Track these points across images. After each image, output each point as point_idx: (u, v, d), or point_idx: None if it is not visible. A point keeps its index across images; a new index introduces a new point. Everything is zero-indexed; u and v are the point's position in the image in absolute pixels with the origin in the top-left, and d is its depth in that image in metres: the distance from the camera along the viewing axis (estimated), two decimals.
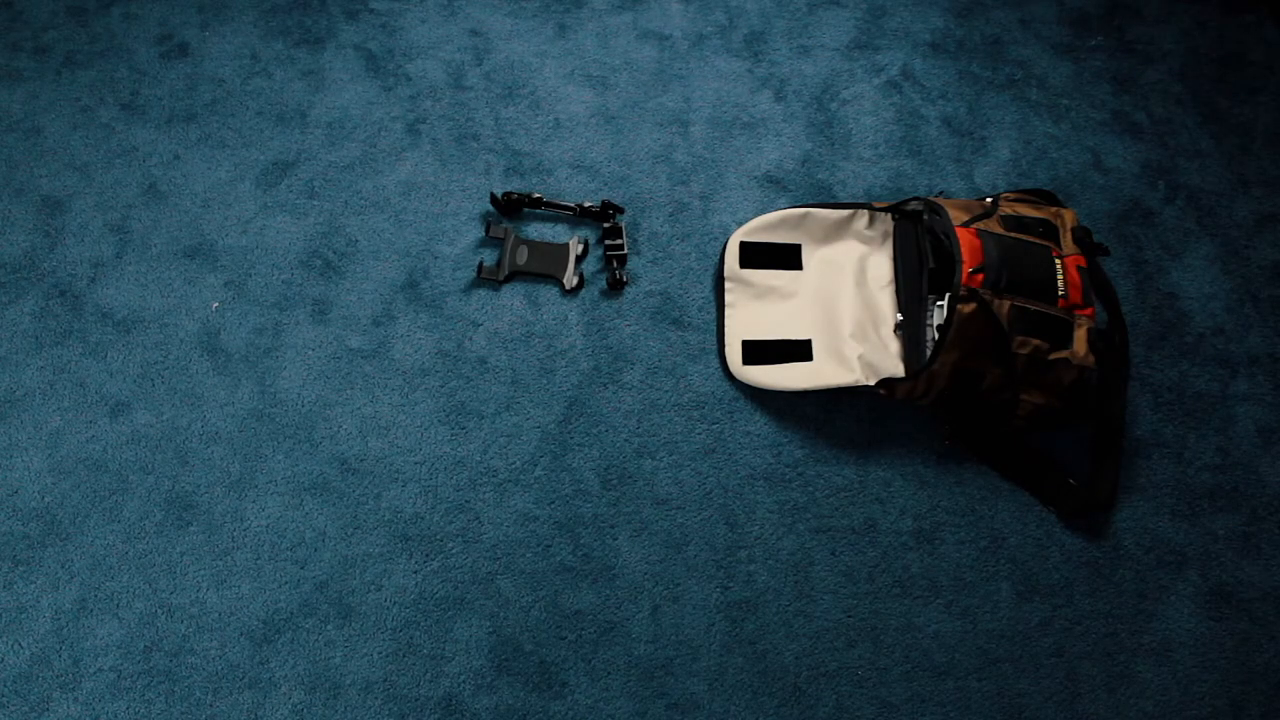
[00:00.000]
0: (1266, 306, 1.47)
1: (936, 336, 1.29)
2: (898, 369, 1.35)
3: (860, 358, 1.34)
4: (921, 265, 1.37)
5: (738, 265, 1.45)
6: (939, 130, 1.59)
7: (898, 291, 1.40)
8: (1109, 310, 1.36)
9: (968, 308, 1.25)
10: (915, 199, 1.41)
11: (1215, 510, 1.35)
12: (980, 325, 1.26)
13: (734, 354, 1.40)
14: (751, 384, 1.38)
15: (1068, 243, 1.34)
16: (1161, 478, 1.37)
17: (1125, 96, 1.62)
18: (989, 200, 1.38)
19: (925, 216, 1.36)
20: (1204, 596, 1.31)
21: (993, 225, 1.32)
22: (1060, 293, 1.28)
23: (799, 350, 1.38)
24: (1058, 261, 1.29)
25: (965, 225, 1.31)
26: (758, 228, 1.47)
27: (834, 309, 1.39)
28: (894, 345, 1.37)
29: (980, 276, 1.26)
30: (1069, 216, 1.36)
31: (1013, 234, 1.30)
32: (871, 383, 1.32)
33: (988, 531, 1.33)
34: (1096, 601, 1.30)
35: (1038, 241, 1.30)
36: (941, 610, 1.30)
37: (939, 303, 1.29)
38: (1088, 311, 1.29)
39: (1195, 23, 1.69)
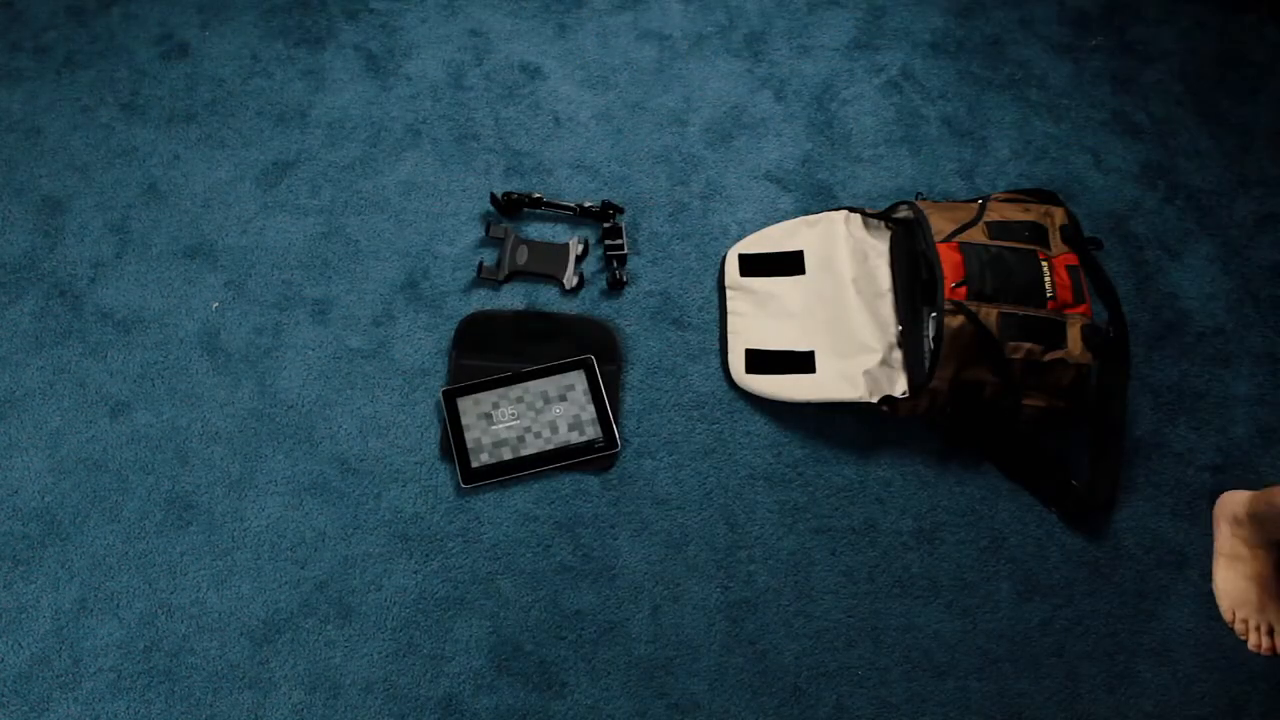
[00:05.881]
0: (1266, 306, 1.47)
1: (933, 348, 1.29)
2: (900, 382, 1.35)
3: (865, 373, 1.34)
4: (914, 275, 1.38)
5: (738, 274, 1.45)
6: (939, 130, 1.59)
7: (896, 300, 1.40)
8: (1108, 308, 1.36)
9: (955, 321, 1.26)
10: (903, 203, 1.41)
11: None
12: (970, 336, 1.26)
13: (737, 362, 1.40)
14: (754, 393, 1.38)
15: (1056, 242, 1.34)
16: (1161, 478, 1.37)
17: (1125, 96, 1.62)
18: (978, 202, 1.38)
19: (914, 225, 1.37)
20: (1204, 596, 1.31)
21: (976, 234, 1.32)
22: (1049, 294, 1.28)
23: (802, 362, 1.38)
24: (1044, 263, 1.29)
25: (948, 239, 1.31)
26: (756, 240, 1.47)
27: (837, 319, 1.39)
28: (897, 356, 1.37)
29: (963, 289, 1.27)
30: (1059, 215, 1.37)
31: (996, 242, 1.31)
32: (874, 400, 1.32)
33: (988, 531, 1.33)
34: (1096, 601, 1.30)
35: (1022, 246, 1.31)
36: (941, 610, 1.30)
37: (933, 314, 1.29)
38: (1080, 309, 1.29)
39: (1195, 23, 1.69)
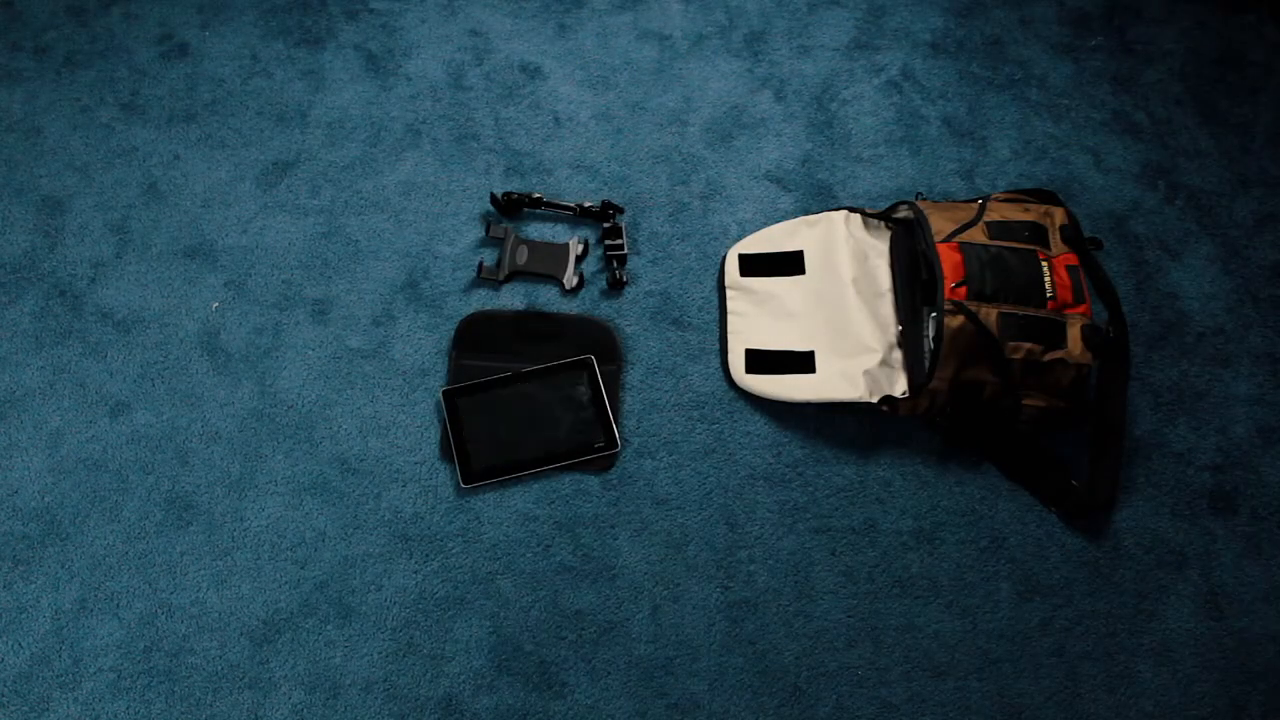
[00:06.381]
0: (1266, 306, 1.47)
1: (933, 348, 1.29)
2: (900, 382, 1.35)
3: (865, 373, 1.34)
4: (914, 275, 1.38)
5: (738, 274, 1.45)
6: (939, 130, 1.59)
7: (896, 299, 1.40)
8: (1108, 308, 1.36)
9: (955, 320, 1.26)
10: (903, 203, 1.41)
11: (1215, 510, 1.35)
12: (970, 336, 1.26)
13: (737, 362, 1.40)
14: (754, 393, 1.38)
15: (1056, 242, 1.34)
16: (1161, 478, 1.37)
17: (1125, 96, 1.62)
18: (978, 202, 1.38)
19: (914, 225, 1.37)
20: (1204, 596, 1.31)
21: (976, 234, 1.32)
22: (1049, 294, 1.28)
23: (802, 362, 1.38)
24: (1044, 263, 1.29)
25: (948, 239, 1.31)
26: (756, 240, 1.47)
27: (837, 319, 1.39)
28: (897, 356, 1.37)
29: (963, 289, 1.27)
30: (1059, 215, 1.37)
31: (996, 242, 1.31)
32: (874, 400, 1.32)
33: (988, 531, 1.33)
34: (1096, 601, 1.30)
35: (1022, 246, 1.31)
36: (941, 610, 1.30)
37: (933, 314, 1.29)
38: (1080, 309, 1.29)
39: (1195, 23, 1.69)
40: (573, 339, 1.42)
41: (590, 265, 1.49)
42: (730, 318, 1.43)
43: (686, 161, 1.56)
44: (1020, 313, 1.27)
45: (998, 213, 1.35)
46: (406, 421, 1.38)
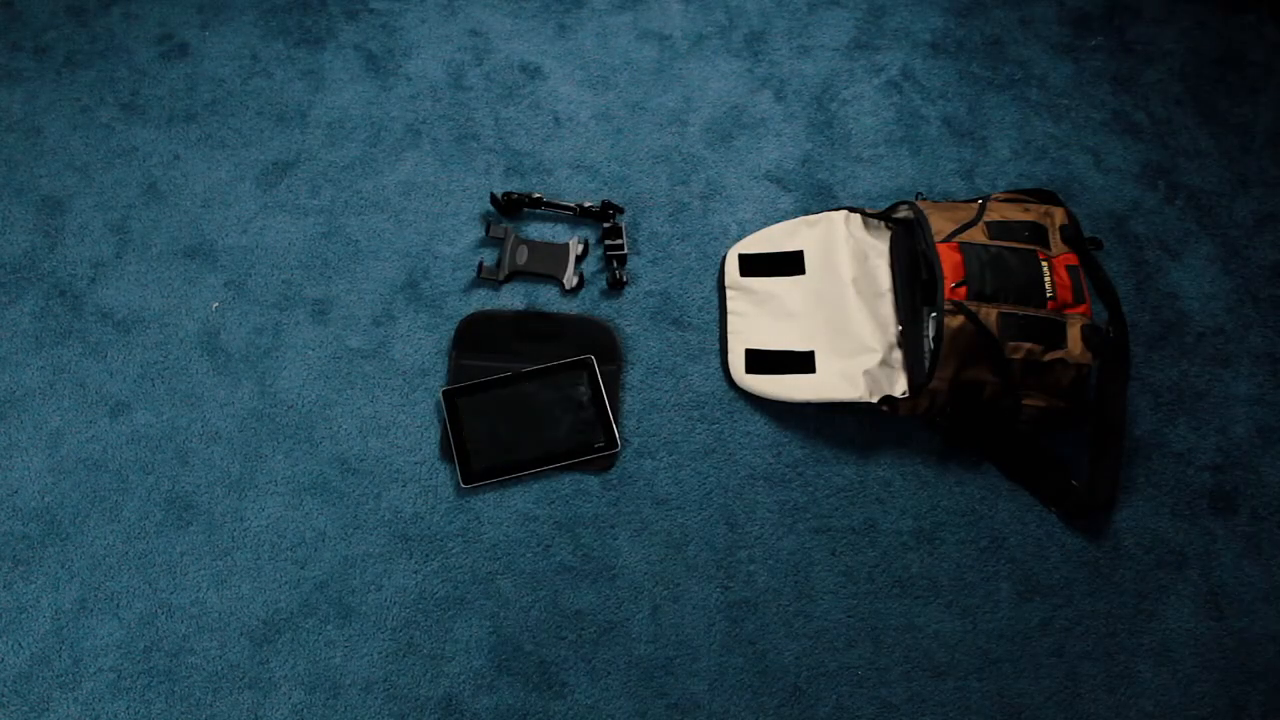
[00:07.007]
0: (1266, 306, 1.47)
1: (933, 348, 1.29)
2: (900, 382, 1.35)
3: (865, 373, 1.34)
4: (914, 275, 1.38)
5: (738, 274, 1.45)
6: (939, 130, 1.59)
7: (896, 299, 1.40)
8: (1108, 308, 1.36)
9: (955, 321, 1.26)
10: (903, 203, 1.41)
11: (1215, 510, 1.35)
12: (970, 336, 1.26)
13: (737, 362, 1.40)
14: (754, 393, 1.38)
15: (1056, 242, 1.34)
16: (1161, 478, 1.37)
17: (1125, 96, 1.62)
18: (978, 202, 1.38)
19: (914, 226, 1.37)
20: (1204, 596, 1.31)
21: (976, 235, 1.32)
22: (1049, 294, 1.28)
23: (802, 362, 1.38)
24: (1044, 263, 1.29)
25: (948, 239, 1.31)
26: (756, 240, 1.47)
27: (837, 319, 1.39)
28: (897, 356, 1.37)
29: (963, 289, 1.27)
30: (1059, 215, 1.37)
31: (996, 242, 1.31)
32: (874, 400, 1.32)
33: (988, 531, 1.33)
34: (1096, 601, 1.30)
35: (1022, 246, 1.31)
36: (941, 610, 1.30)
37: (933, 314, 1.29)
38: (1080, 309, 1.29)
39: (1195, 23, 1.69)
40: (573, 339, 1.42)
41: (590, 265, 1.49)
42: (730, 318, 1.43)
43: (686, 161, 1.56)
44: (1020, 313, 1.27)
45: (998, 213, 1.35)
46: (406, 421, 1.38)
